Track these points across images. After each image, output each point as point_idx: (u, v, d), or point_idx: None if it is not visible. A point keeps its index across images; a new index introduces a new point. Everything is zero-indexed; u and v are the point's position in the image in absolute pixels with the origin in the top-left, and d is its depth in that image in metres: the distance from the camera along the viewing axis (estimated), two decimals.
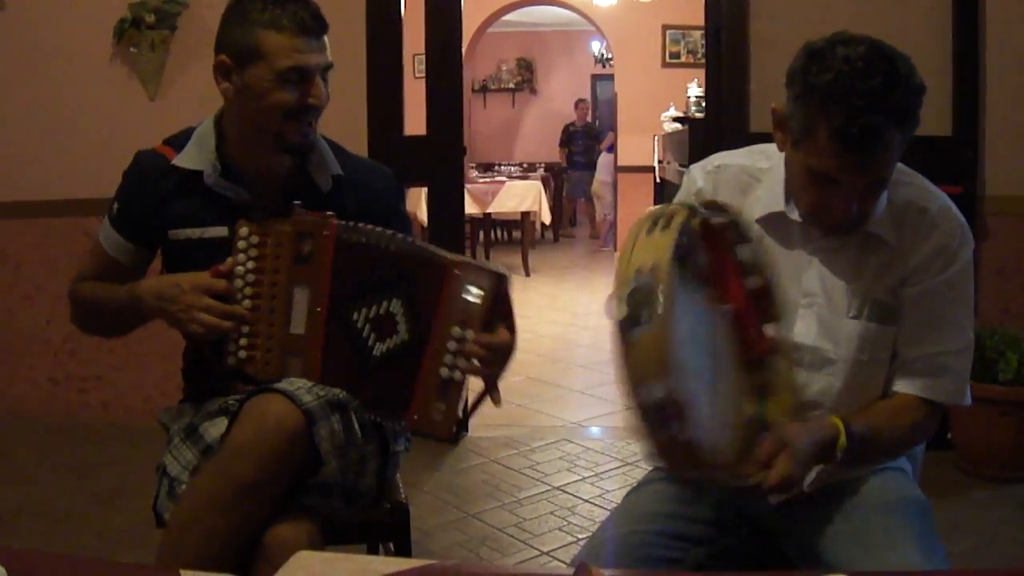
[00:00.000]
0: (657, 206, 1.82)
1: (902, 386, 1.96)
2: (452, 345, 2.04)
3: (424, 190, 5.01)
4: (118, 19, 4.77)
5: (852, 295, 1.95)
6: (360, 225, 2.11)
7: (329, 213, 2.12)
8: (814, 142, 1.79)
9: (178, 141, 2.27)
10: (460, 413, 2.11)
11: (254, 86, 2.11)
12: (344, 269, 2.08)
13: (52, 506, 3.91)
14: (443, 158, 4.77)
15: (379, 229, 2.11)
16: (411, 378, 2.06)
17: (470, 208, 9.36)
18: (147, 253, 2.32)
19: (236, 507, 1.88)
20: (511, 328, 2.08)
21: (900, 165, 1.96)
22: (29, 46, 4.92)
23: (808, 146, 1.81)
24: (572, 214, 16.11)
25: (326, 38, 2.16)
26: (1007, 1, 4.36)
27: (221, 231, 2.19)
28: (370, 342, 2.08)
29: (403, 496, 2.32)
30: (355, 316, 2.08)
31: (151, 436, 2.59)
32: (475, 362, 2.05)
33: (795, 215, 1.97)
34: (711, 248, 1.79)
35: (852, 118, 1.71)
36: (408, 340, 2.07)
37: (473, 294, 2.03)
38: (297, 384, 1.97)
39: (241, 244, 2.10)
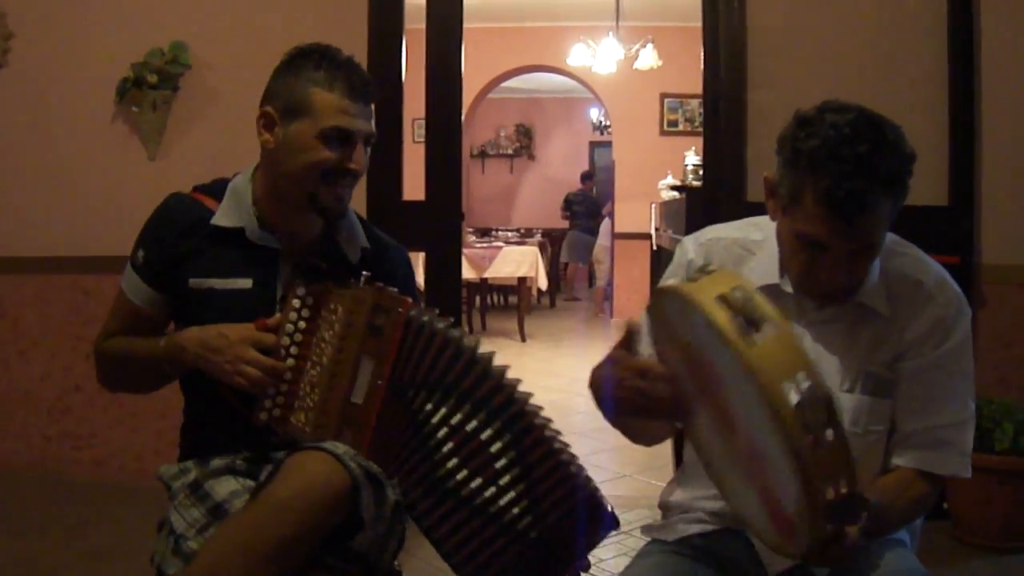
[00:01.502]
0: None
1: (902, 460, 1.95)
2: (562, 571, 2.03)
3: (421, 255, 5.01)
4: (120, 78, 4.81)
5: (846, 368, 1.95)
6: (438, 313, 2.07)
7: (395, 290, 2.11)
8: (801, 207, 1.80)
9: (212, 191, 2.26)
10: None
11: (296, 141, 2.11)
12: (412, 349, 2.03)
13: (42, 564, 3.87)
14: (441, 223, 4.77)
15: (460, 331, 2.06)
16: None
17: (467, 273, 9.36)
18: (173, 301, 2.27)
19: (272, 562, 1.83)
20: None
21: (895, 236, 1.97)
22: (30, 103, 4.94)
23: (795, 211, 1.82)
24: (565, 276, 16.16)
25: (372, 108, 2.17)
26: (1003, 71, 4.41)
27: (246, 283, 2.18)
28: (446, 449, 2.00)
29: (398, 564, 2.29)
30: (427, 407, 2.02)
31: (144, 495, 2.57)
32: None
33: (789, 287, 1.97)
34: None
35: (838, 183, 1.73)
36: (529, 535, 1.99)
37: (599, 538, 2.06)
38: (341, 448, 1.93)
39: (295, 303, 2.10)
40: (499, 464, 1.97)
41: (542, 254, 11.59)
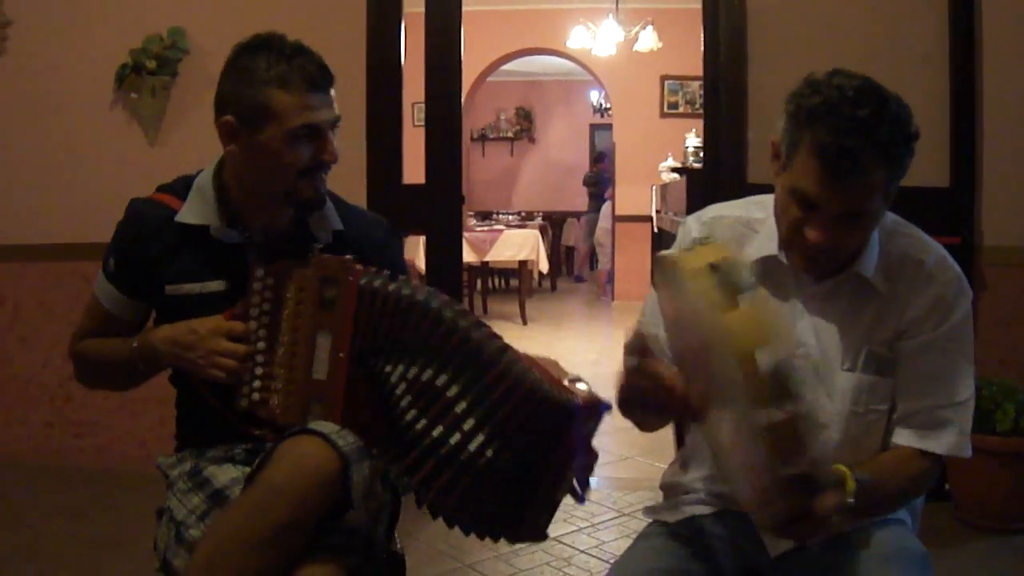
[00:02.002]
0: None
1: (903, 439, 1.94)
2: (569, 475, 1.95)
3: (422, 238, 5.00)
4: (119, 65, 4.80)
5: (846, 347, 1.95)
6: (389, 275, 2.03)
7: (349, 257, 2.06)
8: (797, 160, 1.81)
9: (175, 189, 2.23)
10: None
11: (265, 147, 2.06)
12: (368, 316, 1.99)
13: (45, 552, 3.88)
14: (442, 207, 4.78)
15: (416, 284, 2.01)
16: (522, 501, 1.93)
17: (468, 256, 9.36)
18: (147, 306, 2.28)
19: (270, 547, 1.82)
20: None
21: (896, 217, 1.98)
22: (30, 91, 4.94)
23: (792, 166, 1.83)
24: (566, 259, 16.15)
25: (333, 91, 2.12)
26: (1004, 52, 4.39)
27: (220, 285, 2.16)
28: (404, 404, 1.94)
29: (399, 547, 2.29)
30: (387, 368, 1.97)
31: (146, 482, 2.57)
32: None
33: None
34: None
35: (833, 137, 1.74)
36: (504, 465, 1.89)
37: (590, 430, 1.95)
38: (329, 428, 1.91)
39: (256, 286, 2.06)
40: (460, 407, 1.90)
41: (543, 237, 11.59)
